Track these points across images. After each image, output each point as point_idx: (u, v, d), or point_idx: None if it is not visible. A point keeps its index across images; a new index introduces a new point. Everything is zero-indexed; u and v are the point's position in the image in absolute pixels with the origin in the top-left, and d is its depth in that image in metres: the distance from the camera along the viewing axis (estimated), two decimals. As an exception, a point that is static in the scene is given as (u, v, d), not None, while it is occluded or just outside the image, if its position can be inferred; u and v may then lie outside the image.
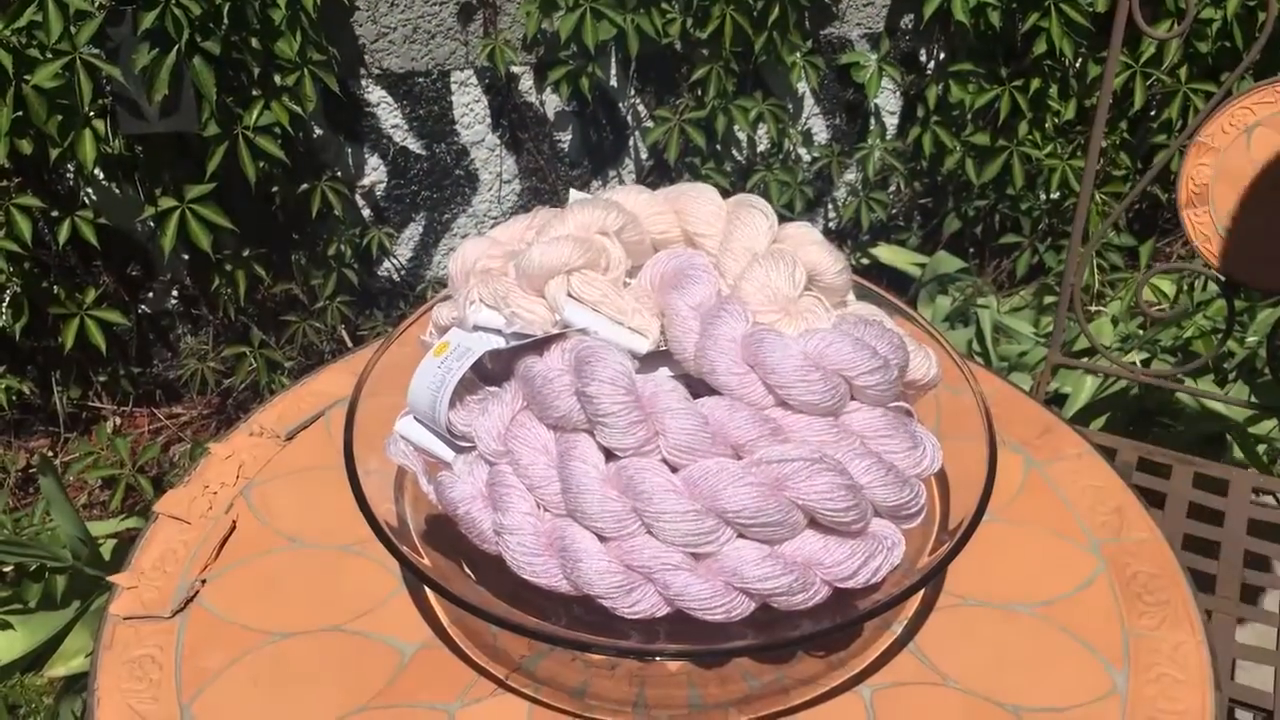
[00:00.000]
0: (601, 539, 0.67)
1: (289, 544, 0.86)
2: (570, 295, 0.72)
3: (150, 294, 2.00)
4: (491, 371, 0.75)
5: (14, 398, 1.90)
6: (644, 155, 2.09)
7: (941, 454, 0.72)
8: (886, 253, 2.27)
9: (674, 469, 0.67)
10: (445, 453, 0.73)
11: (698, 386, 0.71)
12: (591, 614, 0.69)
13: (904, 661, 0.78)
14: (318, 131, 1.90)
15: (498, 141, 2.01)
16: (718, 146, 2.06)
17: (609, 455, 0.68)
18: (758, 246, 0.73)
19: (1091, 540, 0.87)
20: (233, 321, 1.99)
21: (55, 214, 1.77)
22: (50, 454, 2.00)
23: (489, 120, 1.99)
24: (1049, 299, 2.13)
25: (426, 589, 0.82)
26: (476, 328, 0.74)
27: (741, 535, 0.66)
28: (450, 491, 0.70)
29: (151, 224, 1.85)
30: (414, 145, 1.98)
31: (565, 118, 2.02)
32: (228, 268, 1.89)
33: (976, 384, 0.81)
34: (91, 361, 1.98)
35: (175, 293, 2.01)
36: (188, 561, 0.85)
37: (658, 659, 0.75)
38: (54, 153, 1.64)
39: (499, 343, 0.72)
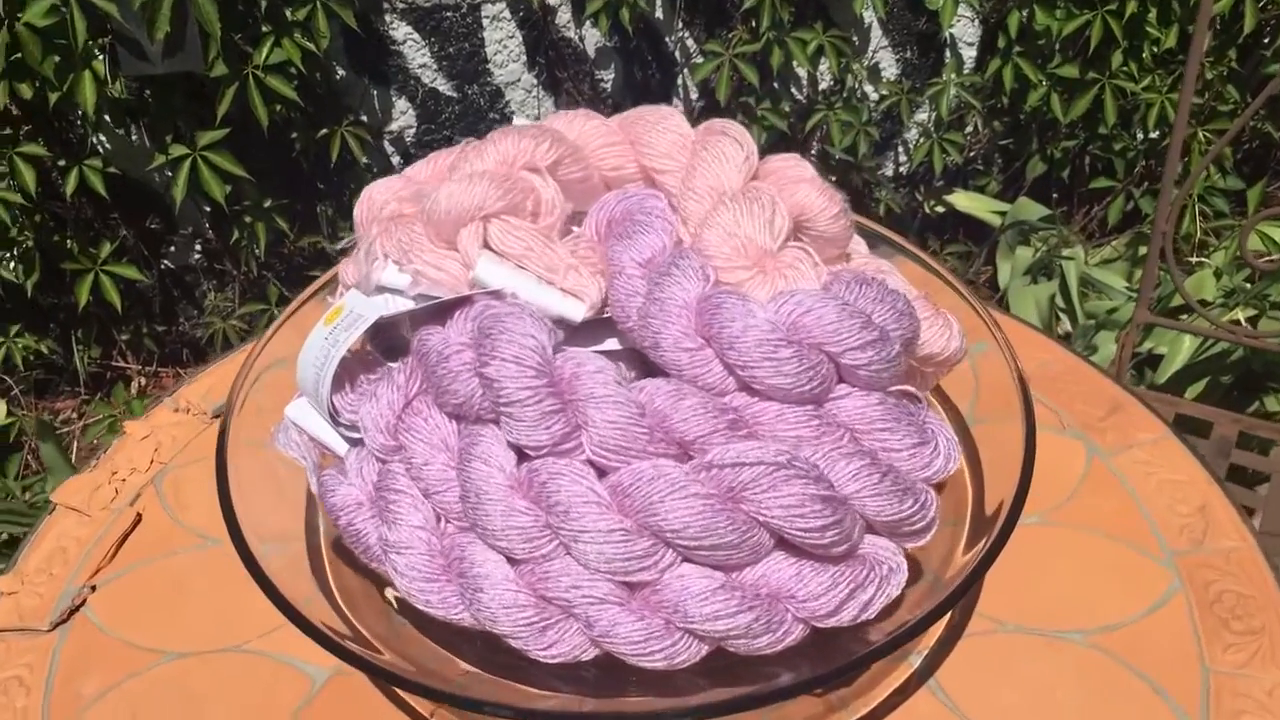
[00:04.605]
0: (511, 561, 0.52)
1: (198, 543, 0.73)
2: (489, 248, 0.57)
3: (172, 248, 1.90)
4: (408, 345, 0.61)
5: (32, 357, 1.82)
6: (694, 94, 1.93)
7: (959, 451, 0.56)
8: (963, 200, 2.07)
9: (602, 473, 0.52)
10: (339, 444, 0.59)
11: (656, 366, 0.56)
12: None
13: (921, 703, 0.63)
14: (340, 73, 1.77)
15: (534, 81, 1.86)
16: (774, 84, 1.89)
17: (523, 454, 0.53)
18: (727, 184, 0.58)
19: (1166, 550, 0.70)
20: (257, 277, 1.88)
21: (63, 163, 1.67)
22: (76, 416, 1.93)
23: (524, 58, 1.84)
24: (1144, 249, 1.92)
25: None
26: (381, 289, 0.59)
27: (687, 559, 0.51)
28: (331, 496, 0.56)
29: (168, 173, 1.74)
30: (444, 87, 1.83)
31: (607, 54, 1.86)
32: (247, 220, 1.78)
33: (1008, 346, 0.64)
34: (113, 320, 1.89)
35: (198, 247, 1.91)
36: (79, 563, 0.72)
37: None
38: (53, 97, 1.54)
39: (400, 306, 0.57)
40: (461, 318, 0.54)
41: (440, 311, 0.56)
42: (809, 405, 0.52)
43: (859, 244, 0.65)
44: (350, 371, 0.58)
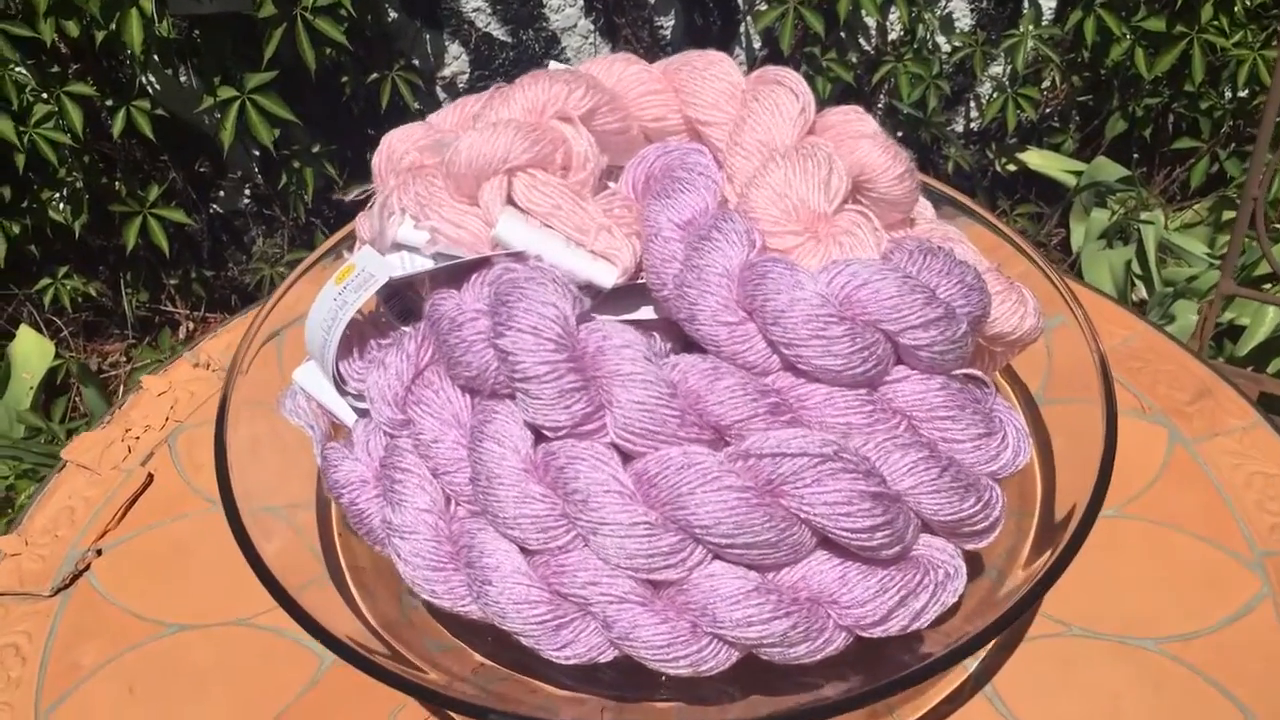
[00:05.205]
0: (525, 551, 0.48)
1: (209, 507, 0.70)
2: (514, 204, 0.52)
3: (221, 193, 1.87)
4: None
5: (80, 299, 1.80)
6: (756, 43, 1.85)
7: (1030, 443, 0.50)
8: (1036, 158, 1.98)
9: (628, 458, 0.47)
10: (347, 414, 0.55)
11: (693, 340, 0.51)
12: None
13: (975, 712, 0.57)
14: (392, 15, 1.72)
15: (591, 28, 1.80)
16: (841, 34, 1.80)
17: (541, 434, 0.48)
18: (780, 139, 0.52)
19: (1255, 551, 0.64)
20: (306, 223, 1.84)
21: (110, 103, 1.64)
22: (124, 359, 1.91)
23: (581, 3, 1.78)
24: (1228, 214, 1.82)
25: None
26: (397, 246, 0.55)
27: (718, 557, 0.46)
28: (334, 471, 0.52)
29: (217, 115, 1.71)
30: (498, 31, 1.78)
31: (667, 0, 1.79)
32: (296, 165, 1.74)
33: (1089, 324, 0.58)
34: (162, 263, 1.86)
35: (247, 192, 1.88)
36: (86, 524, 0.69)
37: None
38: (100, 35, 1.50)
39: (416, 266, 0.53)
40: (478, 282, 0.49)
41: (459, 273, 0.51)
42: (861, 389, 0.47)
43: (925, 208, 0.58)
44: (360, 336, 0.54)
